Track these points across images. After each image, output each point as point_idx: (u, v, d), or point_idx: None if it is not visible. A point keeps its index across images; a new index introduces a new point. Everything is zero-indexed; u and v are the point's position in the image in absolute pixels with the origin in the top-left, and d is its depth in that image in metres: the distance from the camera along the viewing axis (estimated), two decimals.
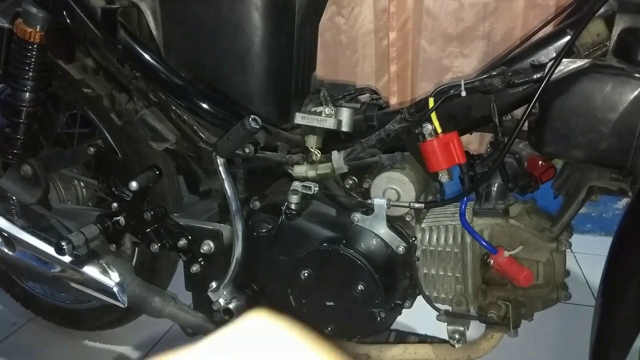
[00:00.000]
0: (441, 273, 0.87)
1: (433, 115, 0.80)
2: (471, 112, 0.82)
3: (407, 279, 0.90)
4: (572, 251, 1.77)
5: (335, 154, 0.89)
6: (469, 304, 0.88)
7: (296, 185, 0.89)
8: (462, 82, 0.78)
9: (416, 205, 0.84)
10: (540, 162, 0.91)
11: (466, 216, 0.82)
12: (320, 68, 1.43)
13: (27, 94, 1.00)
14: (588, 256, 1.74)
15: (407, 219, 0.88)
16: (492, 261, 0.83)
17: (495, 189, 0.86)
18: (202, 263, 0.96)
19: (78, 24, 0.92)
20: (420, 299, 0.92)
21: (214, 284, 0.95)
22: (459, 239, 0.85)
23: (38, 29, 0.96)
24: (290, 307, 0.90)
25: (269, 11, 0.90)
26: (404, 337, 1.23)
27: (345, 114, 0.91)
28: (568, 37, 0.78)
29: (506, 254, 0.82)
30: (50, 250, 1.04)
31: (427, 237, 0.87)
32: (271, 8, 0.90)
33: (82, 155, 1.20)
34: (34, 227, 1.11)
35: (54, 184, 1.27)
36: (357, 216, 0.87)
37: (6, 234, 1.10)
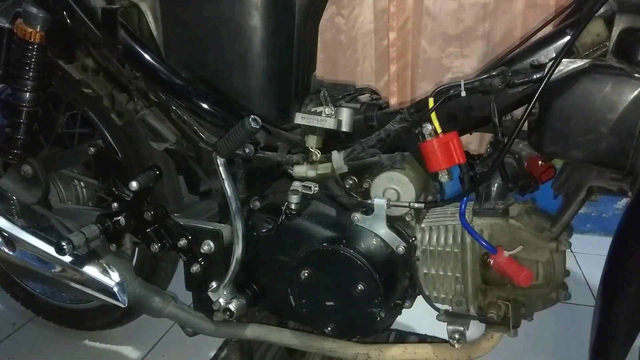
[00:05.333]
0: (441, 273, 0.87)
1: (433, 115, 0.80)
2: (471, 112, 0.82)
3: (407, 278, 0.90)
4: (572, 251, 1.77)
5: (335, 154, 0.89)
6: (468, 303, 0.88)
7: (296, 185, 0.89)
8: (462, 82, 0.78)
9: (416, 205, 0.84)
10: (540, 162, 0.91)
11: (466, 216, 0.82)
12: (320, 68, 1.43)
13: (28, 94, 1.00)
14: (588, 256, 1.74)
15: (407, 219, 0.88)
16: (492, 261, 0.83)
17: (495, 189, 0.86)
18: (202, 263, 0.96)
19: (78, 24, 0.92)
20: (420, 299, 0.92)
21: (214, 284, 0.95)
22: (459, 239, 0.85)
23: (38, 29, 0.96)
24: (290, 307, 0.90)
25: (269, 11, 0.90)
26: (404, 337, 1.23)
27: (345, 114, 0.91)
28: (568, 37, 0.78)
29: (506, 254, 0.82)
30: (50, 250, 1.04)
31: (427, 237, 0.87)
32: (271, 8, 0.90)
33: (83, 155, 1.20)
34: (35, 227, 1.12)
35: (54, 184, 1.27)
36: (357, 216, 0.87)
37: (6, 234, 1.10)
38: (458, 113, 0.83)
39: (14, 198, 1.15)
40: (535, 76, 0.75)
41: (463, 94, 0.78)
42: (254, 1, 0.89)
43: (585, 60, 0.72)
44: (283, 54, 0.94)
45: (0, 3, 1.03)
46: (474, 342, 0.90)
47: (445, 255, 0.86)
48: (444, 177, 0.82)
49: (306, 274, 0.87)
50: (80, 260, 1.04)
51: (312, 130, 0.92)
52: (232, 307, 0.93)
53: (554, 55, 0.77)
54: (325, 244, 0.86)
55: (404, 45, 1.43)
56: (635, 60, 0.70)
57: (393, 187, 0.86)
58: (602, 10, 0.75)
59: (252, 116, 0.79)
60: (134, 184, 0.94)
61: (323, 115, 0.91)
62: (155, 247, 0.99)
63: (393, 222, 0.88)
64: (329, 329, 0.89)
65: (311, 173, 0.91)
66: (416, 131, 0.82)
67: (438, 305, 0.90)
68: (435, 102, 0.79)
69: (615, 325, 0.71)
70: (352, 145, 0.89)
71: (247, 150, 0.87)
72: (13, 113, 1.02)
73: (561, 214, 0.83)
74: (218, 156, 0.86)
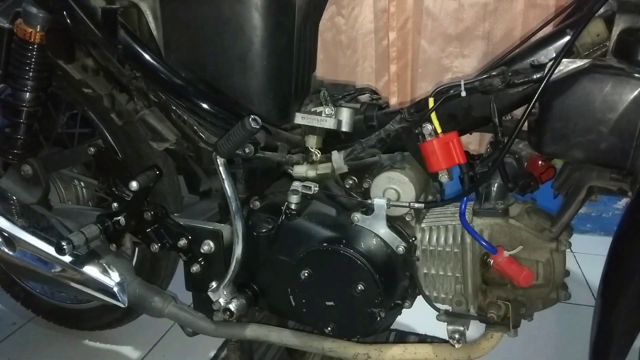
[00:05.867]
0: (441, 273, 0.87)
1: (433, 115, 0.80)
2: (471, 112, 0.82)
3: (407, 278, 0.90)
4: (572, 251, 1.77)
5: (335, 154, 0.89)
6: (468, 303, 0.88)
7: (296, 185, 0.89)
8: (462, 82, 0.79)
9: (416, 205, 0.84)
10: (540, 162, 0.91)
11: (466, 216, 0.82)
12: (320, 68, 1.43)
13: (28, 94, 1.00)
14: (588, 256, 1.74)
15: (407, 219, 0.88)
16: (492, 261, 0.83)
17: (495, 189, 0.86)
18: (202, 263, 0.96)
19: (78, 24, 0.92)
20: (420, 299, 0.92)
21: (214, 284, 0.95)
22: (459, 239, 0.85)
23: (38, 29, 0.96)
24: (290, 307, 0.90)
25: (269, 11, 0.90)
26: (404, 337, 1.23)
27: (345, 114, 0.91)
28: (568, 37, 0.78)
29: (506, 253, 0.82)
30: (50, 250, 1.04)
31: (427, 237, 0.87)
32: (271, 8, 0.90)
33: (83, 155, 1.20)
34: (35, 227, 1.12)
35: (54, 184, 1.27)
36: (357, 216, 0.87)
37: (7, 234, 1.10)
38: (458, 113, 0.83)
39: (14, 198, 1.15)
40: (535, 76, 0.75)
41: (463, 94, 0.78)
42: (254, 1, 0.89)
43: (585, 60, 0.72)
44: (283, 54, 0.94)
45: (0, 3, 1.03)
46: (474, 342, 0.90)
47: (445, 255, 0.86)
48: (444, 177, 0.82)
49: (306, 274, 0.87)
50: (80, 260, 1.04)
51: (312, 130, 0.92)
52: (232, 307, 0.93)
53: (554, 55, 0.77)
54: (325, 244, 0.86)
55: (404, 45, 1.43)
56: (635, 60, 0.70)
57: (393, 187, 0.86)
58: (602, 10, 0.75)
59: (252, 116, 0.79)
60: (134, 184, 0.94)
61: (323, 115, 0.91)
62: (155, 247, 0.99)
63: (393, 222, 0.88)
64: (329, 329, 0.89)
65: (311, 173, 0.91)
66: (416, 131, 0.82)
67: (438, 305, 0.90)
68: (435, 102, 0.80)
69: (615, 325, 0.71)
70: (352, 145, 0.89)
71: (247, 150, 0.87)
72: (13, 113, 1.02)
73: (561, 214, 0.83)
74: (218, 156, 0.86)
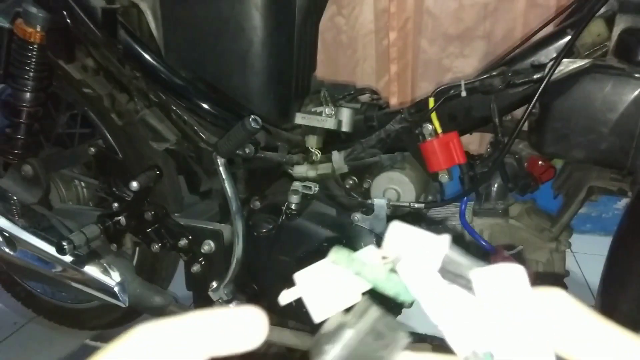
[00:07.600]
0: None
1: (433, 116, 0.80)
2: (471, 112, 0.82)
3: None
4: (571, 251, 1.77)
5: (335, 154, 0.89)
6: None
7: (296, 185, 0.89)
8: (463, 83, 0.79)
9: (416, 205, 0.84)
10: (540, 162, 0.91)
11: (466, 216, 0.82)
12: (321, 68, 1.43)
13: (28, 94, 1.00)
14: (588, 256, 1.74)
15: (408, 219, 0.88)
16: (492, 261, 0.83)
17: (495, 189, 0.86)
18: (203, 263, 0.96)
19: (78, 24, 0.92)
20: None
21: (214, 284, 0.95)
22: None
23: (38, 29, 0.96)
24: (291, 307, 0.90)
25: (269, 11, 0.90)
26: None
27: (345, 114, 0.91)
28: (568, 37, 0.78)
29: (506, 253, 0.82)
30: (51, 250, 1.04)
31: None
32: (271, 8, 0.90)
33: (83, 156, 1.20)
34: (35, 227, 1.12)
35: (54, 184, 1.27)
36: (357, 216, 0.87)
37: (7, 234, 1.10)
38: (458, 113, 0.83)
39: (15, 198, 1.15)
40: (535, 76, 0.75)
41: (463, 94, 0.78)
42: (254, 1, 0.89)
43: (586, 60, 0.72)
44: (283, 54, 0.94)
45: (0, 3, 1.03)
46: None
47: None
48: (444, 178, 0.82)
49: None
50: (81, 260, 1.04)
51: (312, 130, 0.92)
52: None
53: (555, 55, 0.77)
54: (326, 244, 0.86)
55: (405, 45, 1.43)
56: (636, 61, 0.70)
57: (393, 187, 0.86)
58: (602, 10, 0.75)
59: (252, 116, 0.79)
60: (134, 184, 0.94)
61: (323, 115, 0.91)
62: (155, 247, 0.99)
63: None
64: None
65: (311, 173, 0.91)
66: (416, 131, 0.83)
67: None
68: (435, 102, 0.80)
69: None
70: (352, 146, 0.89)
71: (247, 151, 0.87)
72: (13, 113, 1.02)
73: (561, 214, 0.83)
74: (218, 156, 0.86)
